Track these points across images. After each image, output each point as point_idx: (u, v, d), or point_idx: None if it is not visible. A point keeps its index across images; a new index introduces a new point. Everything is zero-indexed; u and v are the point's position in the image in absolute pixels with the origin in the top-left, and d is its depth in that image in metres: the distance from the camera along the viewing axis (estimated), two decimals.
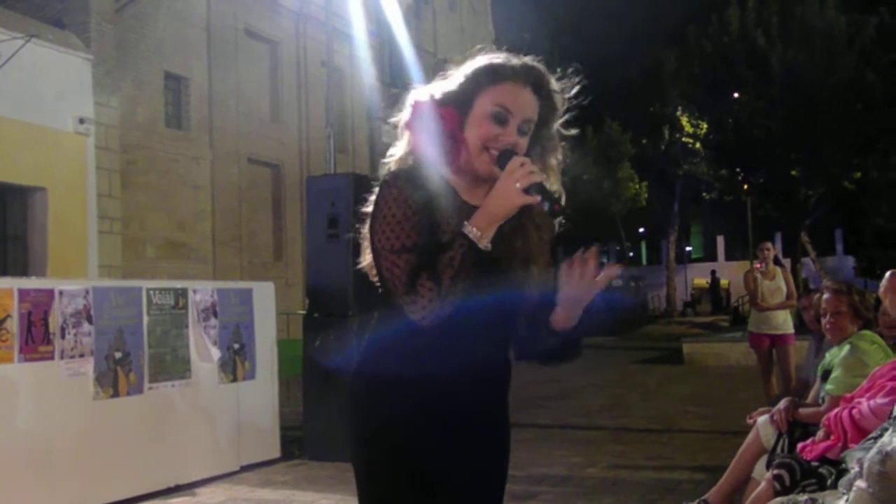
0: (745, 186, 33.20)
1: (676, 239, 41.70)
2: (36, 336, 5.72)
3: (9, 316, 5.58)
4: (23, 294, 5.69)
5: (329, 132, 12.89)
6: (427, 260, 2.07)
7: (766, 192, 32.79)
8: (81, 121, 14.07)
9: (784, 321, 9.19)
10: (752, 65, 30.36)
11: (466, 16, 29.10)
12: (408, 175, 2.18)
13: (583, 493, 6.48)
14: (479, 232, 2.08)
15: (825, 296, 4.85)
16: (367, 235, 2.21)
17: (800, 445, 4.19)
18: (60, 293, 5.83)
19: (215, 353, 7.11)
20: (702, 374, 15.61)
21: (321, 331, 8.07)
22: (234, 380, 7.48)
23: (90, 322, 5.96)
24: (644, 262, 50.08)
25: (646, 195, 38.74)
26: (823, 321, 4.80)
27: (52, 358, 5.79)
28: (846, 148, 30.00)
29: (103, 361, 6.08)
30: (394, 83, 23.36)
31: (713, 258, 45.82)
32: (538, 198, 2.08)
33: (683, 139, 34.33)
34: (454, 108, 2.21)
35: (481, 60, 2.28)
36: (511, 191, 2.06)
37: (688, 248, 49.76)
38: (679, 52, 33.60)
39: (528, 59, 2.27)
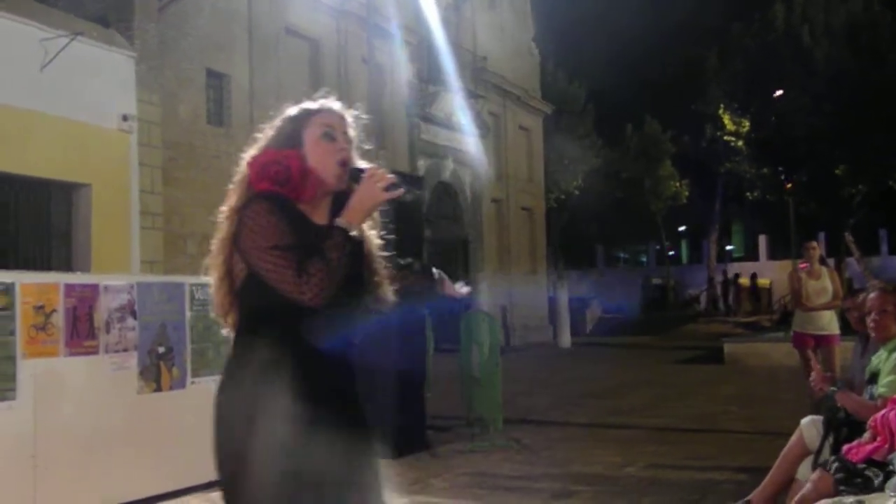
0: (788, 185, 32.78)
1: (718, 238, 41.31)
2: (81, 331, 5.80)
3: (55, 310, 5.67)
4: (68, 289, 5.77)
5: (371, 130, 12.88)
6: (308, 252, 2.36)
7: (809, 190, 32.35)
8: (125, 118, 14.20)
9: (829, 322, 9.04)
10: (796, 61, 29.97)
11: (506, 13, 29.00)
12: (269, 196, 2.49)
13: (621, 493, 6.44)
14: (352, 224, 2.46)
15: (871, 294, 4.78)
16: (238, 248, 2.47)
17: (845, 447, 4.13)
18: (105, 288, 5.90)
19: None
20: (743, 374, 15.45)
21: (360, 326, 8.09)
22: None
23: (134, 317, 6.03)
24: (685, 261, 49.66)
25: (687, 193, 38.40)
26: (868, 320, 4.73)
27: (97, 352, 5.87)
28: (891, 145, 29.52)
29: (147, 356, 6.15)
30: (433, 80, 23.37)
31: (755, 257, 45.30)
32: (400, 192, 2.51)
33: (725, 137, 33.95)
34: (291, 149, 2.58)
35: (292, 110, 2.69)
36: (375, 190, 2.47)
37: (729, 247, 49.26)
38: (721, 49, 33.26)
39: (324, 101, 2.71)
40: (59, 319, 5.68)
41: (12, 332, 5.43)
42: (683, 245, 50.76)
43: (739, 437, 8.91)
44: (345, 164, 2.59)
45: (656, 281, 42.29)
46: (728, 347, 18.20)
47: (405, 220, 8.39)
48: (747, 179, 35.06)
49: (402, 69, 22.51)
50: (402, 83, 22.71)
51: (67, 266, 12.99)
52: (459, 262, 25.21)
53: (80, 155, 13.16)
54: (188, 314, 6.52)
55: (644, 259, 50.48)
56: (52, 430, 5.62)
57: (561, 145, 30.73)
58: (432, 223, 21.87)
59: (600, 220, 39.02)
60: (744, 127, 33.11)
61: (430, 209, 22.42)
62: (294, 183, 2.53)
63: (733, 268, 42.10)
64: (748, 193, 36.65)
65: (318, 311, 2.38)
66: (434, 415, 9.23)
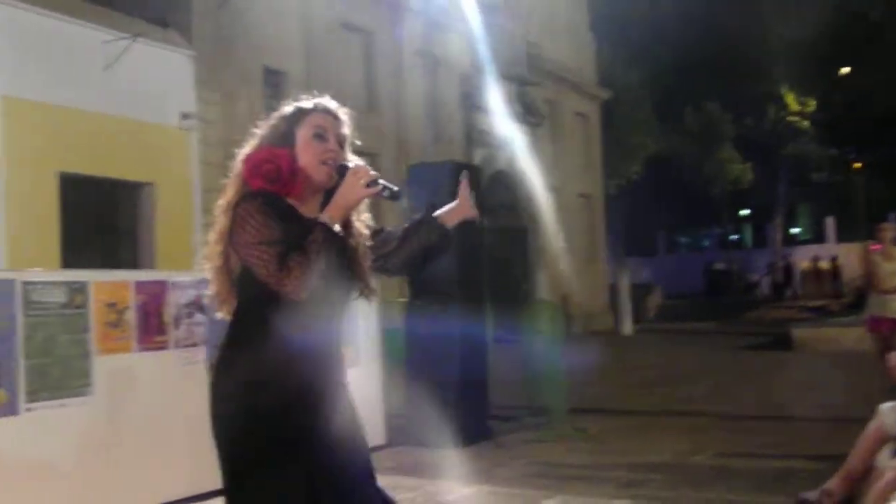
0: (857, 165, 32.02)
1: (783, 221, 40.58)
2: (151, 327, 5.91)
3: (127, 308, 5.78)
4: (139, 287, 5.88)
5: (428, 121, 12.91)
6: (291, 247, 2.52)
7: (879, 170, 31.58)
8: (185, 116, 14.41)
9: None
10: (866, 38, 29.18)
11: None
12: (260, 194, 2.65)
13: (690, 481, 6.37)
14: (333, 218, 2.60)
15: None
16: (232, 243, 2.66)
17: None
18: (173, 285, 5.99)
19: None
20: (813, 359, 15.15)
21: (423, 317, 8.12)
22: None
23: (202, 312, 6.11)
24: (748, 245, 48.89)
25: (750, 177, 37.76)
26: None
27: (166, 347, 5.97)
28: None
29: (215, 350, 6.22)
30: (487, 70, 23.27)
31: (822, 240, 44.42)
32: (380, 188, 2.67)
33: (789, 118, 33.30)
34: (284, 147, 2.74)
35: (287, 108, 2.84)
36: (357, 187, 2.63)
37: (794, 230, 48.39)
38: (785, 28, 32.58)
39: (319, 100, 2.87)
40: (130, 316, 5.79)
41: (87, 330, 5.55)
42: (747, 229, 49.97)
43: (811, 424, 8.74)
44: (333, 164, 2.74)
45: (719, 266, 41.67)
46: (796, 332, 17.86)
47: None
48: (813, 160, 34.36)
49: (456, 60, 22.47)
50: (456, 74, 22.67)
51: (133, 264, 13.23)
52: (517, 251, 25.14)
53: (143, 154, 13.38)
54: None
55: (706, 244, 49.83)
56: (126, 425, 5.73)
57: (619, 131, 30.43)
58: (489, 213, 21.81)
59: (660, 206, 38.58)
60: (809, 107, 32.41)
61: (487, 199, 22.36)
62: (284, 181, 2.69)
63: (801, 251, 41.28)
64: (814, 175, 35.93)
65: (303, 303, 2.55)
66: (497, 405, 9.22)
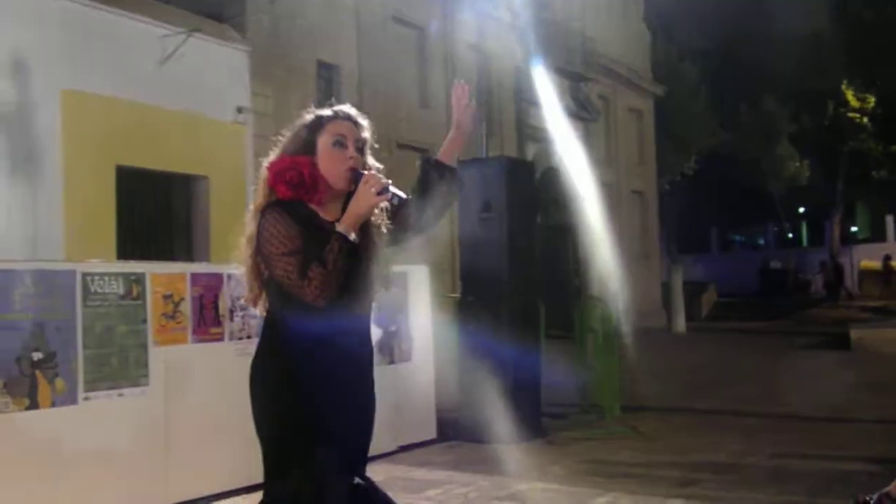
0: None
1: (841, 219, 39.83)
2: (207, 318, 5.97)
3: (183, 299, 5.84)
4: (195, 278, 5.94)
5: (481, 116, 12.87)
6: (311, 257, 2.70)
7: None
8: (239, 110, 14.55)
9: None
10: None
11: None
12: (282, 204, 2.83)
13: (745, 483, 6.28)
14: (348, 228, 2.75)
15: None
16: (258, 253, 2.85)
17: None
18: (229, 277, 6.05)
19: (374, 334, 7.22)
20: (873, 361, 14.83)
21: (475, 314, 8.10)
22: (392, 362, 7.59)
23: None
24: (805, 243, 48.07)
25: (807, 174, 37.10)
26: None
27: (222, 339, 6.03)
28: None
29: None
30: (540, 64, 23.16)
31: (881, 238, 43.48)
32: (389, 195, 2.79)
33: (849, 114, 32.66)
34: (305, 155, 2.90)
35: (308, 117, 3.00)
36: (369, 195, 2.77)
37: (853, 229, 47.49)
38: (841, 23, 31.98)
39: (339, 107, 3.01)
40: (186, 308, 5.86)
41: (144, 321, 5.62)
42: (804, 227, 49.16)
43: (870, 426, 8.57)
44: (353, 170, 2.89)
45: (775, 264, 41.01)
46: (855, 333, 17.52)
47: (518, 206, 8.35)
48: (873, 158, 33.66)
49: (509, 54, 22.39)
50: (509, 68, 22.59)
51: (188, 256, 13.39)
52: (569, 247, 25.00)
53: (198, 148, 13.53)
54: None
55: (762, 242, 49.10)
56: (182, 415, 5.80)
57: (673, 126, 30.11)
58: (542, 209, 21.73)
59: (715, 203, 38.10)
60: (869, 103, 31.77)
61: (539, 195, 22.25)
62: (306, 187, 2.85)
63: (859, 250, 40.45)
64: (874, 172, 35.20)
65: (326, 309, 2.72)
66: (549, 402, 9.18)
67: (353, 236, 2.76)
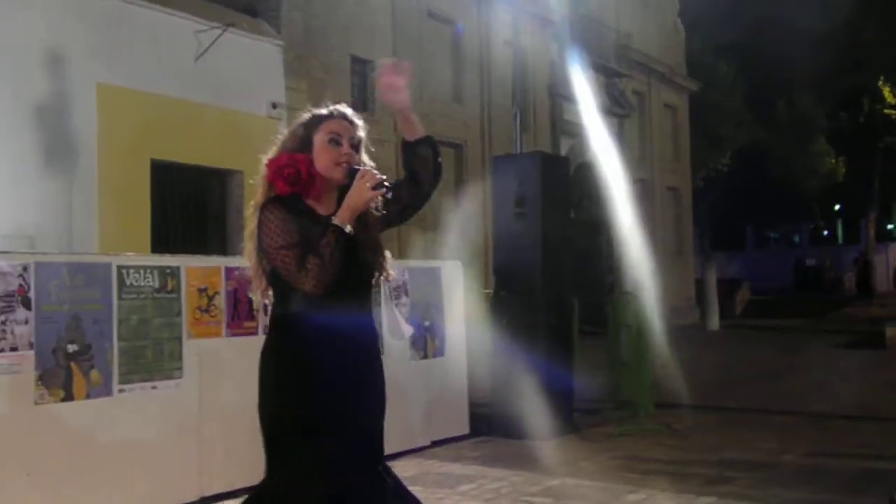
0: None
1: (876, 217, 39.36)
2: (241, 312, 6.00)
3: (217, 293, 5.88)
4: (229, 272, 5.97)
5: (515, 111, 12.84)
6: (308, 248, 2.84)
7: None
8: (274, 105, 14.60)
9: None
10: None
11: None
12: (281, 199, 2.96)
13: (780, 481, 6.22)
14: (344, 221, 2.89)
15: None
16: (259, 248, 2.97)
17: None
18: None
19: (407, 330, 7.21)
20: None
21: (508, 309, 8.08)
22: (425, 356, 7.60)
23: None
24: (840, 241, 47.58)
25: (843, 171, 36.68)
26: None
27: (255, 333, 6.05)
28: None
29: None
30: (575, 60, 23.06)
31: None
32: (383, 190, 2.94)
33: (885, 111, 32.22)
34: (303, 152, 3.03)
35: (305, 116, 3.13)
36: (364, 189, 2.90)
37: (889, 226, 46.92)
38: (879, 17, 31.53)
39: (335, 106, 3.14)
40: (221, 301, 5.89)
41: (179, 314, 5.66)
42: (839, 225, 48.65)
43: None
44: (348, 165, 3.02)
45: (810, 262, 40.65)
46: (890, 331, 17.29)
47: (552, 202, 8.32)
48: None
49: (544, 49, 22.31)
50: (543, 63, 22.51)
51: (222, 251, 13.47)
52: (603, 243, 24.90)
53: (232, 143, 13.59)
54: None
55: (796, 239, 48.66)
56: (215, 408, 5.84)
57: (708, 123, 29.87)
58: (575, 204, 21.65)
59: (750, 200, 37.78)
60: None
61: (573, 190, 22.17)
62: (303, 183, 2.99)
63: (894, 248, 39.95)
64: None
65: (326, 297, 2.85)
66: (582, 398, 9.15)
67: (348, 228, 2.89)
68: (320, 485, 2.89)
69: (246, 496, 3.20)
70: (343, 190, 3.01)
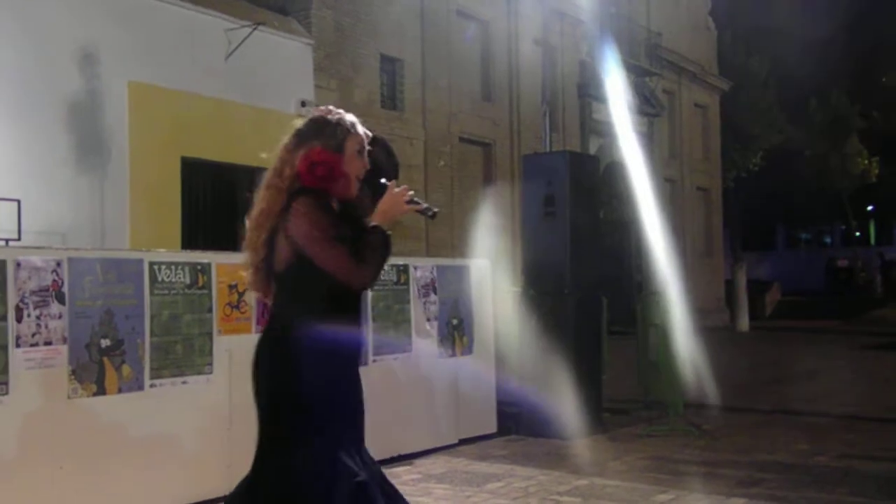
0: None
1: None
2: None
3: (247, 289, 5.88)
4: None
5: (545, 110, 12.80)
6: (355, 243, 2.90)
7: None
8: (303, 103, 14.64)
9: None
10: None
11: None
12: (316, 192, 2.98)
13: (812, 482, 6.16)
14: (384, 226, 2.99)
15: None
16: (290, 234, 2.94)
17: None
18: None
19: (431, 329, 7.26)
20: None
21: (537, 308, 8.06)
22: (453, 354, 7.59)
23: None
24: (872, 242, 47.07)
25: (876, 171, 36.27)
26: None
27: None
28: None
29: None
30: (605, 58, 22.97)
31: None
32: (421, 206, 3.10)
33: None
34: (336, 154, 3.06)
35: (340, 119, 3.15)
36: (399, 202, 3.04)
37: None
38: None
39: (349, 116, 3.19)
40: (250, 298, 5.91)
41: (210, 310, 5.69)
42: (871, 225, 48.12)
43: None
44: (360, 180, 3.14)
45: (842, 263, 40.23)
46: None
47: (581, 201, 8.28)
48: None
49: (573, 48, 22.23)
50: (573, 62, 22.43)
51: None
52: (632, 242, 24.78)
53: (262, 140, 13.49)
54: (370, 294, 6.64)
55: (828, 240, 48.17)
56: (245, 404, 5.81)
57: (739, 122, 29.64)
58: (604, 204, 21.56)
59: (781, 200, 37.46)
60: None
61: (602, 189, 22.08)
62: (331, 183, 3.03)
63: None
64: None
65: (359, 295, 3.03)
66: (610, 398, 9.11)
67: (388, 232, 3.02)
68: (349, 470, 2.93)
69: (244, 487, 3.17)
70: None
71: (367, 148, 3.20)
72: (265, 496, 3.02)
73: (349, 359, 3.11)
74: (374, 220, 3.01)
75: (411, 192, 3.10)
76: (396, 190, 3.08)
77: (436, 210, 3.19)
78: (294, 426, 3.00)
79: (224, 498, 3.40)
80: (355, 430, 3.10)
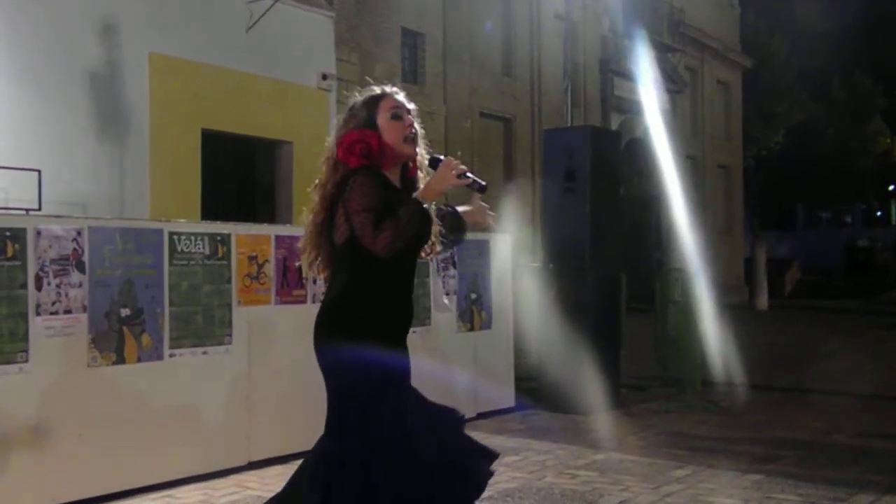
0: None
1: None
2: (290, 281, 6.04)
3: (267, 261, 5.92)
4: (279, 241, 6.01)
5: (567, 85, 12.73)
6: (387, 214, 3.00)
7: None
8: (324, 77, 14.62)
9: None
10: None
11: None
12: (368, 169, 3.14)
13: (829, 461, 6.15)
14: (425, 199, 3.08)
15: None
16: (346, 209, 3.10)
17: None
18: None
19: (450, 303, 7.29)
20: None
21: (556, 283, 8.05)
22: (472, 329, 7.60)
23: None
24: (894, 222, 46.67)
25: None
26: None
27: (304, 301, 6.09)
28: None
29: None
30: (627, 34, 22.80)
31: None
32: (469, 179, 3.18)
33: None
34: (369, 129, 3.21)
35: (360, 97, 3.32)
36: (449, 175, 3.11)
37: None
38: None
39: (381, 86, 3.34)
40: (270, 269, 5.93)
41: (229, 281, 5.71)
42: (892, 205, 47.69)
43: None
44: (413, 136, 3.26)
45: (862, 243, 39.91)
46: None
47: (602, 176, 8.25)
48: None
49: (595, 23, 22.07)
50: (595, 38, 22.28)
51: (270, 219, 13.56)
52: (652, 219, 24.69)
53: (282, 113, 13.64)
54: None
55: (848, 219, 47.79)
56: (265, 374, 5.89)
57: (761, 100, 29.39)
58: (626, 180, 21.46)
59: (802, 179, 37.16)
60: None
61: (623, 165, 21.97)
62: (375, 156, 3.17)
63: None
64: None
65: (391, 265, 3.08)
66: (629, 374, 9.10)
67: (429, 207, 3.11)
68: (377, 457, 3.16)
69: (312, 458, 3.39)
70: (405, 166, 3.30)
71: (409, 106, 3.30)
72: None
73: (390, 336, 3.27)
74: (420, 194, 3.11)
75: (463, 167, 3.16)
76: (447, 163, 3.17)
77: (484, 184, 3.27)
78: (333, 410, 3.42)
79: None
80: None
